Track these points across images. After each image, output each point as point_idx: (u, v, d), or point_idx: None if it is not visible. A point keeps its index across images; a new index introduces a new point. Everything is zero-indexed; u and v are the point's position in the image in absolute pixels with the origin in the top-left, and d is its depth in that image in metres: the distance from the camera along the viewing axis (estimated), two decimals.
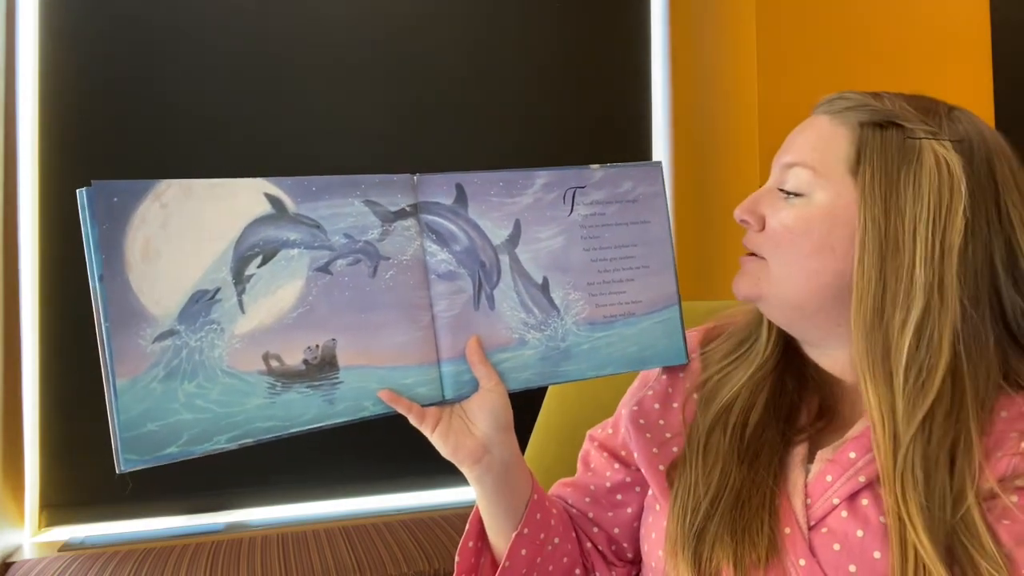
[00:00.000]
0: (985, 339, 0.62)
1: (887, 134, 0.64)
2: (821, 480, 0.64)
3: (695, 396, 0.75)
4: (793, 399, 0.70)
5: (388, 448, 1.50)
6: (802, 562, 0.61)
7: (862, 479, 0.62)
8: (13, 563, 1.16)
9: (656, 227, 0.76)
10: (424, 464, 1.47)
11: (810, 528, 0.62)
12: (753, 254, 0.71)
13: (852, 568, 0.59)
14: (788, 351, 0.74)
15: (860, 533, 0.60)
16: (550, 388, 1.10)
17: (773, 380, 0.71)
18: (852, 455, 0.63)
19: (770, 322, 0.73)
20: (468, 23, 1.61)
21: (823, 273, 0.65)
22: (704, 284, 1.70)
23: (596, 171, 0.75)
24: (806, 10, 1.44)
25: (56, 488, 1.32)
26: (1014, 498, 0.57)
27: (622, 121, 1.71)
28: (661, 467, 0.72)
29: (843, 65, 1.45)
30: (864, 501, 0.61)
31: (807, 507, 0.63)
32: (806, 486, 0.64)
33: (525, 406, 0.94)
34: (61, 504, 1.32)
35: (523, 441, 1.08)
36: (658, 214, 0.76)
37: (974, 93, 1.51)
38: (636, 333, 0.75)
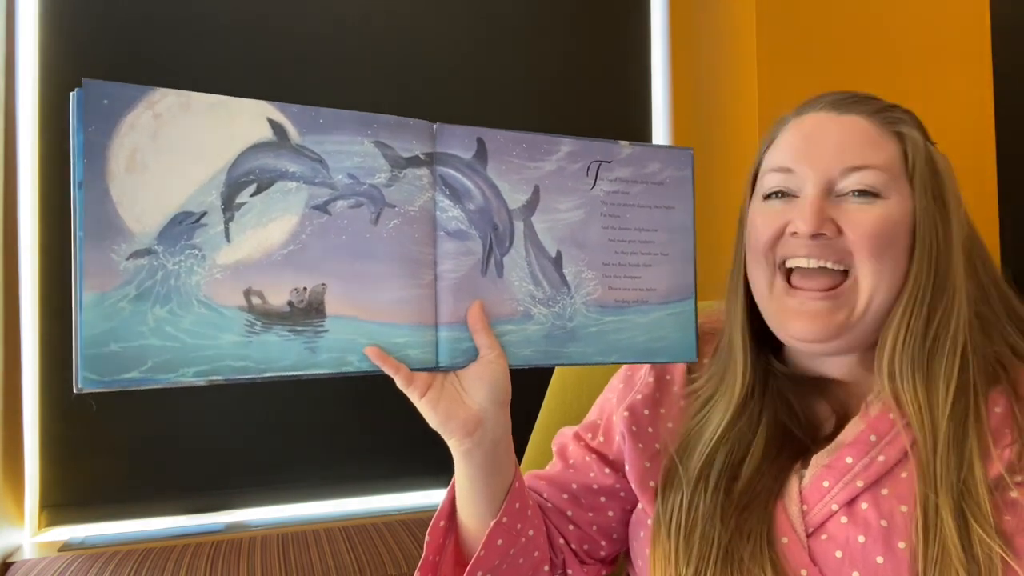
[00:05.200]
0: (989, 312, 0.65)
1: (911, 136, 0.65)
2: (817, 486, 0.61)
3: (684, 421, 0.71)
4: (787, 430, 0.67)
5: (388, 448, 1.47)
6: (804, 572, 0.58)
7: (860, 483, 0.60)
8: (13, 563, 1.15)
9: (680, 214, 0.71)
10: (424, 464, 1.46)
11: (808, 535, 0.60)
12: (827, 289, 0.64)
13: (855, 575, 0.57)
14: (761, 370, 0.70)
15: (862, 539, 0.58)
16: (549, 388, 1.05)
17: (763, 424, 0.67)
18: (849, 460, 0.61)
19: (744, 350, 0.69)
20: (469, 18, 1.57)
21: (902, 279, 0.63)
22: (703, 285, 1.64)
23: (624, 147, 0.70)
24: (806, 10, 1.42)
25: (56, 488, 1.30)
26: (1013, 493, 0.57)
27: (622, 121, 1.68)
28: (652, 483, 0.69)
29: (843, 65, 1.42)
30: (864, 505, 0.59)
31: (803, 513, 0.61)
32: (801, 492, 0.62)
33: (525, 403, 0.90)
34: (61, 504, 1.30)
35: (523, 441, 1.03)
36: (684, 201, 0.72)
37: (974, 93, 1.48)
38: (647, 322, 0.70)
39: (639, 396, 0.74)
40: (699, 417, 0.70)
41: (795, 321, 0.64)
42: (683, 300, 0.71)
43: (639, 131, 1.69)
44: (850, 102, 0.66)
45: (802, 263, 0.64)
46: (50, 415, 1.31)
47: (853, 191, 0.63)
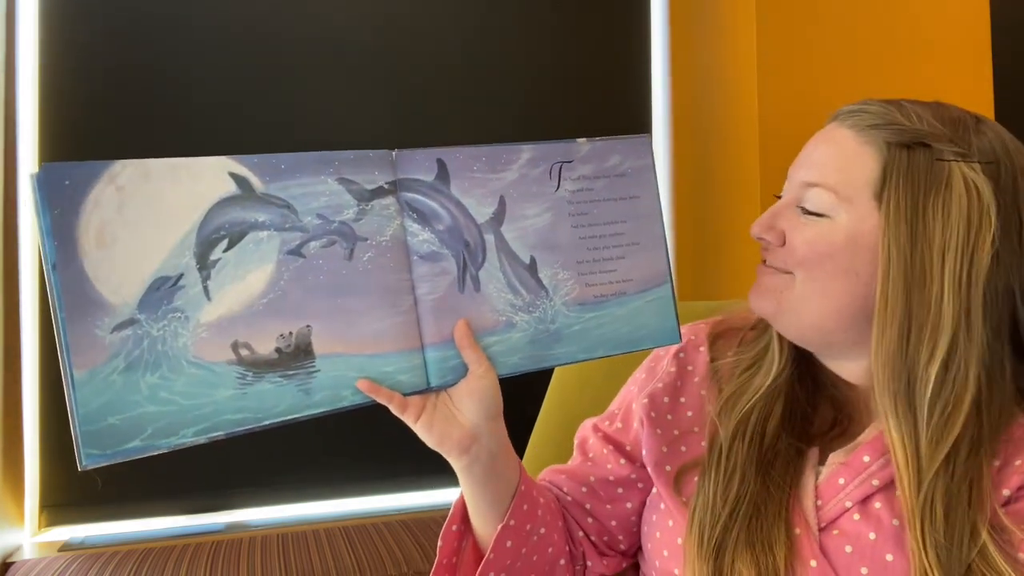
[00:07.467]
0: (1004, 368, 0.60)
1: (914, 156, 0.61)
2: (833, 482, 0.63)
3: (712, 398, 0.73)
4: (806, 408, 0.69)
5: (388, 448, 1.48)
6: (813, 563, 0.60)
7: (875, 483, 0.61)
8: (13, 563, 1.15)
9: (646, 202, 0.73)
10: (423, 464, 1.45)
11: (820, 529, 0.61)
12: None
13: (864, 570, 0.58)
14: (800, 358, 0.72)
15: (872, 536, 0.59)
16: (552, 382, 1.07)
17: (788, 389, 0.69)
18: (866, 459, 0.62)
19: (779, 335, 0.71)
20: (465, 18, 1.57)
21: (845, 296, 0.63)
22: (703, 285, 1.68)
23: (583, 145, 0.71)
24: (806, 10, 1.43)
25: (56, 488, 1.30)
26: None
27: (621, 121, 1.69)
28: (668, 468, 0.71)
29: (843, 65, 1.44)
30: (877, 504, 0.61)
31: (817, 508, 0.62)
32: (816, 487, 0.63)
33: (527, 397, 0.91)
34: (61, 504, 1.30)
35: (526, 435, 1.05)
36: (648, 188, 0.73)
37: (974, 93, 1.50)
38: (628, 313, 0.71)
39: (660, 385, 0.76)
40: (743, 379, 0.72)
41: (752, 295, 0.70)
42: (660, 286, 0.73)
43: (639, 132, 1.70)
44: (856, 115, 0.65)
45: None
46: (50, 415, 1.30)
47: (801, 207, 0.66)
